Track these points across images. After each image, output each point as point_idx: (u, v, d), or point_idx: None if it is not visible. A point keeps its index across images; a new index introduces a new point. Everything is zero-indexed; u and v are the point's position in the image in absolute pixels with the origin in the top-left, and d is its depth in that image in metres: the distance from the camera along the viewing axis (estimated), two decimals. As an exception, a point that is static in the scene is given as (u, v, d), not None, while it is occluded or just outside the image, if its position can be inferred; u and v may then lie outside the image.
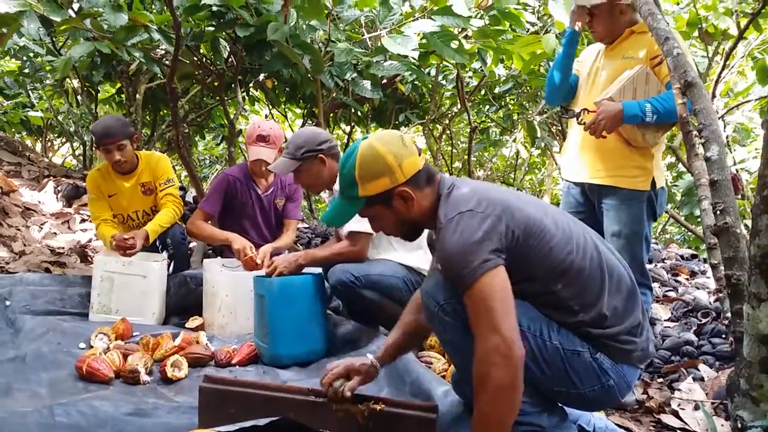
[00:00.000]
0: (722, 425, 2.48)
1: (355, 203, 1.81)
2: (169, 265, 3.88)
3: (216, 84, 5.35)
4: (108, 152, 3.68)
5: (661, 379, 3.17)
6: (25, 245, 4.44)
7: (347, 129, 8.02)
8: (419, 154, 1.80)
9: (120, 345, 2.85)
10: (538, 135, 6.80)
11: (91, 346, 2.85)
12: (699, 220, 5.69)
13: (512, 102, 7.42)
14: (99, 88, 6.59)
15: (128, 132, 3.73)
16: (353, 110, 6.96)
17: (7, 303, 3.30)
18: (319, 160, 3.10)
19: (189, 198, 6.47)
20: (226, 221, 3.96)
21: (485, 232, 1.59)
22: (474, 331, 1.57)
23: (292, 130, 8.32)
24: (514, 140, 7.82)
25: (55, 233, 4.96)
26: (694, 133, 2.38)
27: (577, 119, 2.91)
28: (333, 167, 3.12)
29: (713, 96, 4.92)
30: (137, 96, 5.72)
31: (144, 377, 2.53)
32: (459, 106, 7.30)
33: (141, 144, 6.54)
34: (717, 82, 5.10)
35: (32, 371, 2.48)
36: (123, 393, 2.36)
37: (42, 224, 5.01)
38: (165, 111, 6.75)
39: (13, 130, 7.51)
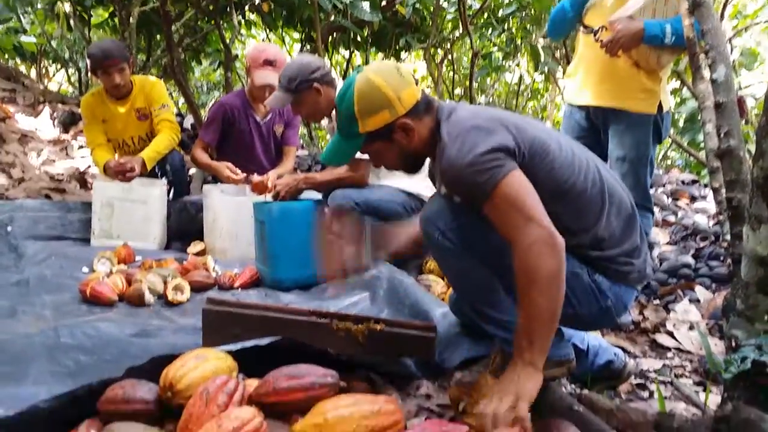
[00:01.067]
0: (716, 344, 2.53)
1: (355, 140, 1.77)
2: (168, 191, 3.88)
3: (211, 8, 5.20)
4: (108, 75, 3.62)
5: (657, 301, 3.21)
6: (23, 172, 4.42)
7: (346, 54, 7.85)
8: (416, 84, 1.75)
9: (123, 269, 2.88)
10: (542, 60, 6.66)
11: (94, 270, 2.88)
12: (701, 146, 5.65)
13: (516, 26, 7.23)
14: (92, 12, 6.41)
15: (126, 55, 3.67)
16: (352, 34, 6.79)
17: (9, 229, 3.32)
18: (314, 90, 3.03)
19: (187, 124, 6.40)
20: (224, 150, 3.92)
21: (493, 143, 1.54)
22: (507, 233, 1.50)
23: (291, 56, 8.14)
24: (517, 65, 7.67)
25: (53, 160, 4.94)
26: (701, 55, 2.32)
27: (595, 36, 2.82)
28: (330, 94, 3.06)
29: (721, 17, 4.78)
30: (131, 20, 5.57)
31: (148, 297, 2.57)
32: (461, 30, 7.11)
33: (136, 70, 6.42)
34: (726, 3, 4.95)
35: (36, 294, 2.51)
36: (127, 315, 2.40)
37: (40, 151, 4.98)
38: (160, 36, 6.59)
39: (6, 56, 7.35)
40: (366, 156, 2.94)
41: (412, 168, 1.87)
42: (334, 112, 3.06)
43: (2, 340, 1.90)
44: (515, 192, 1.50)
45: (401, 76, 1.71)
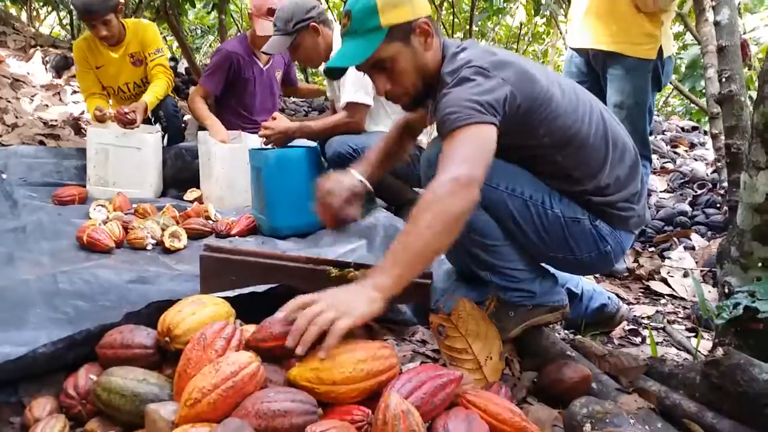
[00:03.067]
0: (709, 291, 2.56)
1: (373, 36, 1.63)
2: (163, 138, 3.84)
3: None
4: (93, 28, 3.54)
5: (652, 249, 3.24)
6: (17, 117, 4.37)
7: (344, -4, 7.67)
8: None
9: (119, 216, 2.88)
10: (543, 2, 6.50)
11: (90, 218, 2.88)
12: (702, 92, 5.58)
13: (517, -34, 7.05)
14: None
15: (111, 5, 3.50)
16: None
17: (4, 176, 3.30)
18: (312, 30, 2.96)
19: (181, 69, 6.30)
20: (226, 98, 3.88)
21: (487, 90, 1.49)
22: (441, 164, 1.42)
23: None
24: (518, 8, 7.50)
25: (46, 105, 4.87)
26: (706, -4, 2.28)
27: None
28: (327, 34, 3.00)
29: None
30: (121, -41, 5.40)
31: (149, 241, 2.59)
32: (461, -30, 6.94)
33: (128, 12, 6.27)
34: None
35: (33, 241, 2.51)
36: (124, 262, 2.41)
37: (33, 96, 4.91)
38: (152, -24, 6.42)
39: (-6, -2, 7.18)
40: (363, 100, 2.89)
41: (415, 98, 1.75)
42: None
43: (1, 287, 1.91)
44: (472, 142, 1.44)
45: None
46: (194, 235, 2.82)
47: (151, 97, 3.63)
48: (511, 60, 1.62)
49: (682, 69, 6.30)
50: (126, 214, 3.01)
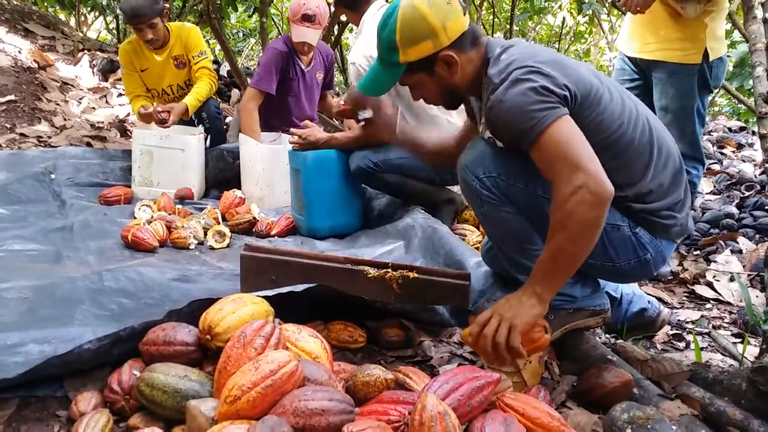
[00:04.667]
0: (756, 296, 2.49)
1: (394, 70, 1.70)
2: (205, 139, 3.91)
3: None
4: (140, 31, 3.64)
5: (697, 252, 3.16)
6: (65, 120, 4.50)
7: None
8: (465, 13, 1.66)
9: (163, 216, 2.94)
10: (586, 1, 6.40)
11: (135, 217, 2.95)
12: (750, 91, 5.42)
13: (558, -35, 6.96)
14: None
15: (158, 9, 3.63)
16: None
17: (52, 176, 3.40)
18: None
19: (223, 72, 6.40)
20: (269, 99, 3.91)
21: (545, 86, 1.48)
22: (552, 177, 1.44)
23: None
24: (560, 7, 7.40)
25: (93, 108, 5.00)
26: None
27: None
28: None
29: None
30: (166, -35, 5.52)
31: (191, 241, 2.67)
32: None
33: (172, 16, 6.40)
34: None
35: (80, 240, 2.59)
36: (168, 260, 2.46)
37: (80, 99, 5.04)
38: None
39: (45, 4, 7.39)
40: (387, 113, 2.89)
41: (451, 104, 1.81)
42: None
43: (49, 284, 1.97)
44: (564, 139, 1.44)
45: (449, 4, 1.62)
46: (237, 232, 2.93)
47: (192, 98, 3.70)
48: (561, 57, 1.62)
49: (730, 67, 6.13)
50: (170, 214, 3.08)
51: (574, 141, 1.44)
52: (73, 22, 8.77)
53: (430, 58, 1.64)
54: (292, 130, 3.06)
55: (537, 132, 1.45)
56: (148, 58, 3.81)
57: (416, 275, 1.85)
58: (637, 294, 2.08)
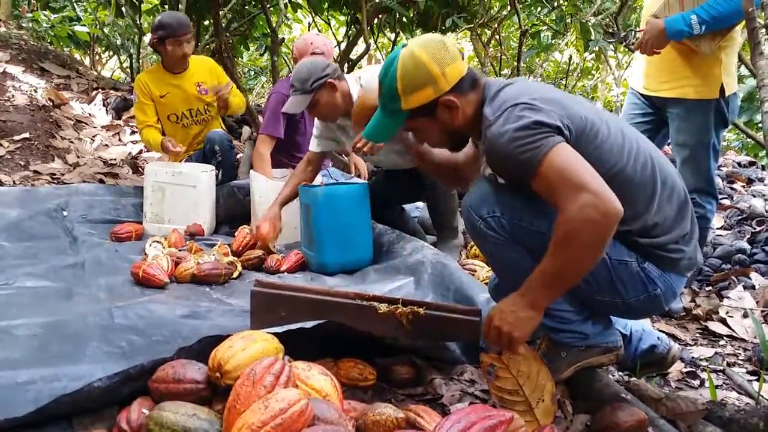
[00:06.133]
0: (771, 333, 2.45)
1: (397, 117, 1.74)
2: (217, 175, 3.95)
3: (258, -9, 5.24)
4: (179, 45, 3.78)
5: (710, 288, 3.13)
6: (78, 157, 4.56)
7: (392, 37, 7.81)
8: (462, 58, 1.71)
9: (173, 252, 2.95)
10: (593, 38, 6.47)
11: (146, 254, 2.96)
12: (759, 125, 5.43)
13: (565, 2, 7.04)
14: (142, -2, 6.56)
15: (191, 25, 3.86)
16: (398, 16, 6.75)
17: (65, 213, 3.43)
18: (329, 86, 2.96)
19: (234, 109, 6.48)
20: (279, 139, 3.96)
21: (539, 120, 1.50)
22: (556, 201, 1.44)
23: (336, 39, 8.15)
24: (567, 44, 7.48)
25: (106, 145, 5.07)
26: (761, 29, 2.23)
27: (625, 43, 2.78)
28: (344, 88, 3.01)
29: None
30: (179, 6, 5.65)
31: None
32: (509, 8, 6.98)
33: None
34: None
35: (91, 277, 2.59)
36: (178, 297, 2.46)
37: (93, 136, 5.12)
38: (208, 21, 6.69)
39: (61, 44, 7.56)
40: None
41: (455, 146, 1.86)
42: (353, 107, 3.02)
43: (60, 321, 1.98)
44: (564, 163, 1.45)
45: (447, 51, 1.67)
46: (251, 266, 2.99)
47: (234, 98, 3.91)
48: (555, 94, 1.65)
49: (738, 102, 6.16)
50: (180, 250, 3.09)
51: (574, 163, 1.46)
52: (87, 61, 8.96)
53: (431, 104, 1.69)
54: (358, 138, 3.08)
55: (536, 161, 1.47)
56: (171, 83, 3.92)
57: (426, 311, 1.85)
58: (646, 330, 2.05)
